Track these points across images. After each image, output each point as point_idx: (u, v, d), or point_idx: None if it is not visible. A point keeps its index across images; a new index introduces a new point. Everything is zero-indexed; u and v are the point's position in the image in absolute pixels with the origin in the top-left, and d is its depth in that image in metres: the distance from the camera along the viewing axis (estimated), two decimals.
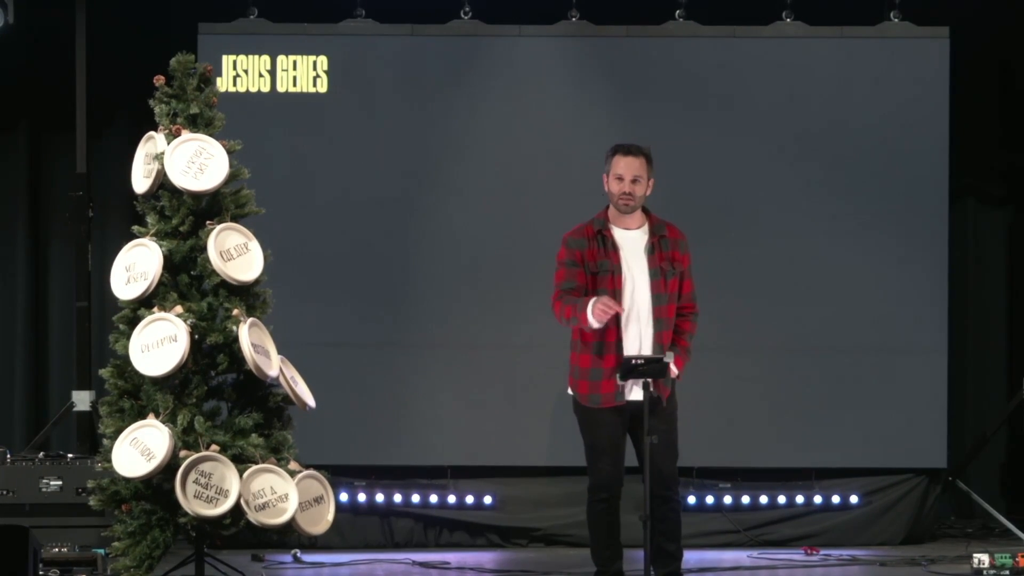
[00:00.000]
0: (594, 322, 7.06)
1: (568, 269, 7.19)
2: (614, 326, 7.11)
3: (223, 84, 9.01)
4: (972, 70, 9.64)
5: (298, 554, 8.75)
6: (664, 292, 7.17)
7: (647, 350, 7.14)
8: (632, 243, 7.22)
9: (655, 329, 7.15)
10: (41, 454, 8.48)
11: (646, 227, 7.26)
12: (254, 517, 7.11)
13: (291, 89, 9.16)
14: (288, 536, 7.59)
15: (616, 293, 7.11)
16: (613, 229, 7.22)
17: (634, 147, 7.28)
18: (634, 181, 7.21)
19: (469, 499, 9.18)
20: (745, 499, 9.21)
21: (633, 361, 6.90)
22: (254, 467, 7.14)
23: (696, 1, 9.21)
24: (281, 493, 7.17)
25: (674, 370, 7.15)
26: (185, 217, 7.36)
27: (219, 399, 7.42)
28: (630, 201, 7.20)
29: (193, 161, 7.36)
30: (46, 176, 9.88)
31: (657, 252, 7.20)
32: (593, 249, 7.17)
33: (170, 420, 7.16)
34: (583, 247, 7.18)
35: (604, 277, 7.13)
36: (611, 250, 7.17)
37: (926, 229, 9.18)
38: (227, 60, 9.11)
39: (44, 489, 8.14)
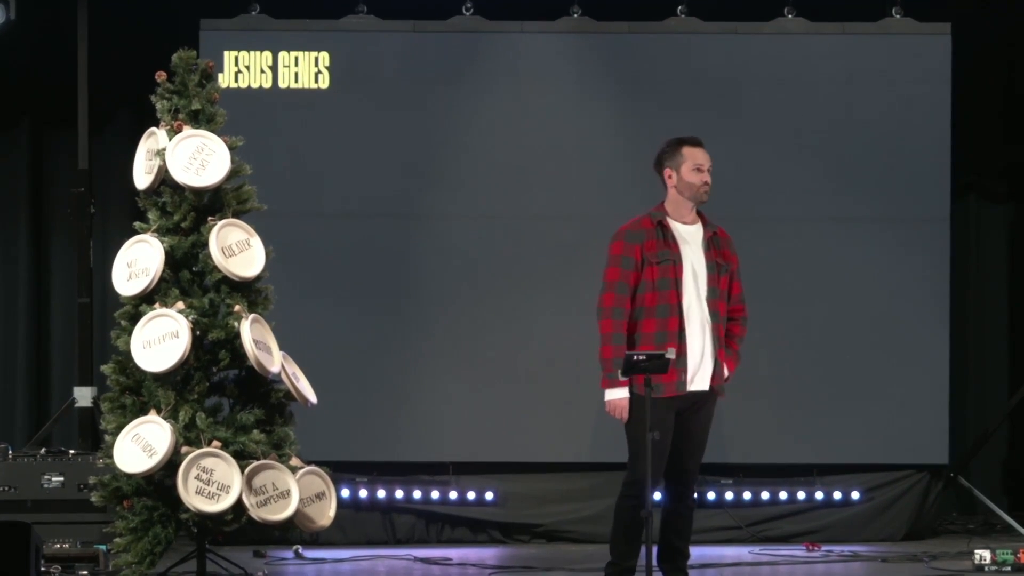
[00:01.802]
0: (608, 395, 7.07)
1: (622, 269, 7.09)
2: (676, 315, 7.08)
3: (225, 80, 9.01)
4: (974, 67, 9.63)
5: (299, 550, 8.75)
6: (718, 287, 7.15)
7: (708, 341, 7.10)
8: (690, 236, 7.18)
9: (712, 322, 7.12)
10: (43, 450, 8.48)
11: (700, 223, 7.25)
12: (256, 513, 7.12)
13: (293, 85, 9.16)
14: (290, 532, 7.59)
15: (677, 282, 7.07)
16: (671, 222, 7.21)
17: (698, 138, 7.31)
18: (710, 170, 7.23)
19: (471, 495, 9.18)
20: (747, 495, 9.21)
21: (635, 357, 6.87)
22: (256, 463, 7.15)
23: None
24: (283, 489, 7.18)
25: (726, 372, 7.19)
26: (187, 213, 7.36)
27: (221, 395, 7.43)
28: (709, 190, 7.21)
29: (195, 157, 7.36)
30: (48, 172, 9.89)
31: (712, 248, 7.20)
32: (652, 240, 7.09)
33: (172, 416, 7.17)
34: (641, 240, 7.10)
35: (666, 267, 7.06)
36: (671, 241, 7.13)
37: (928, 225, 9.17)
38: (229, 56, 9.11)
39: (46, 485, 8.14)
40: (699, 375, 7.07)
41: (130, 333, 7.24)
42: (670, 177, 7.20)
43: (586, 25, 9.20)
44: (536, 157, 9.15)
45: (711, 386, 7.12)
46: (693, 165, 7.19)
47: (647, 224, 7.15)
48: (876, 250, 9.16)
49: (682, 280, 7.08)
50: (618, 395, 7.05)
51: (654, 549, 6.96)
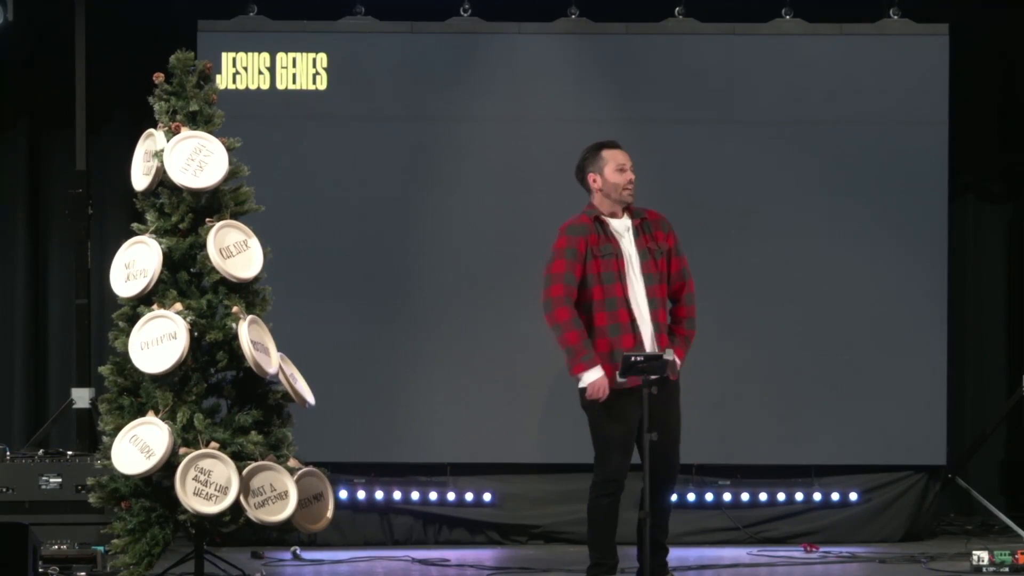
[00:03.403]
0: (586, 379, 7.12)
1: (568, 260, 7.23)
2: (625, 308, 7.16)
3: (223, 81, 9.01)
4: (971, 68, 9.63)
5: (298, 551, 8.75)
6: (654, 272, 7.26)
7: (647, 331, 7.18)
8: (622, 229, 7.33)
9: (651, 308, 7.22)
10: (40, 451, 8.48)
11: (626, 215, 7.35)
12: (253, 514, 7.11)
13: (291, 86, 9.16)
14: (288, 533, 7.60)
15: (621, 275, 7.19)
16: (605, 218, 7.32)
17: (616, 141, 7.43)
18: (632, 169, 7.34)
19: (468, 496, 9.18)
20: (745, 496, 9.21)
21: (633, 358, 6.91)
22: (253, 464, 7.14)
23: None
24: (280, 490, 7.17)
25: (678, 361, 7.21)
26: (184, 214, 7.36)
27: (219, 396, 7.42)
28: (633, 189, 7.32)
29: (192, 158, 7.36)
30: (45, 173, 9.88)
31: (642, 235, 7.31)
32: (594, 235, 7.24)
33: (169, 417, 7.16)
34: (585, 233, 7.23)
35: (609, 260, 7.21)
36: (611, 235, 7.28)
37: (925, 226, 9.18)
38: (227, 57, 9.12)
39: (44, 486, 8.14)
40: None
41: (128, 334, 7.23)
42: (595, 181, 7.35)
43: (584, 26, 9.20)
44: (533, 158, 9.15)
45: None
46: (616, 166, 7.34)
47: (586, 220, 7.31)
48: (874, 251, 9.16)
49: (624, 272, 7.22)
50: (596, 375, 7.14)
51: (635, 548, 7.00)
